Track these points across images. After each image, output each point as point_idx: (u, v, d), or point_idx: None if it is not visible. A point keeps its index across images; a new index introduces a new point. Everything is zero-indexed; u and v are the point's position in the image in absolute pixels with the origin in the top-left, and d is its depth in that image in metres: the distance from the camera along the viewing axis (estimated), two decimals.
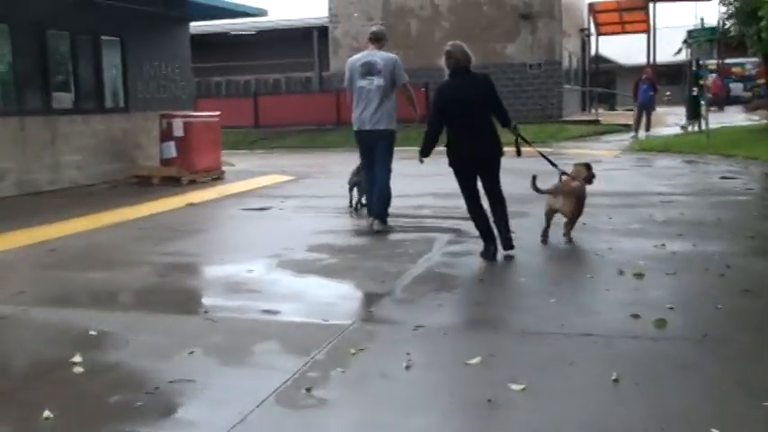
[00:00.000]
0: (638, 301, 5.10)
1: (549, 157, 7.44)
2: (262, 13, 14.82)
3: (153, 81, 14.00)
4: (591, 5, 32.59)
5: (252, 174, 14.53)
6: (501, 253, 6.65)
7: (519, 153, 6.80)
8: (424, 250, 7.00)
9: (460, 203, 7.00)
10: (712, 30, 18.81)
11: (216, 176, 13.40)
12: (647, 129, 21.99)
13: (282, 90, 31.67)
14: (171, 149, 12.73)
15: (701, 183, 11.47)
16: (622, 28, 36.08)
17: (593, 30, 34.76)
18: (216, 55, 31.78)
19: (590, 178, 7.29)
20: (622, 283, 5.62)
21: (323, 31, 29.17)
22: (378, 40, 8.15)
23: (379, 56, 7.99)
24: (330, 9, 28.49)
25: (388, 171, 8.10)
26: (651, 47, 34.74)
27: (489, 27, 26.77)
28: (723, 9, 22.71)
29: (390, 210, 8.29)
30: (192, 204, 10.51)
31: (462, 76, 6.56)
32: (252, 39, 31.32)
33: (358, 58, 8.14)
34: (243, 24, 31.50)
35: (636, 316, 4.74)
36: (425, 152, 6.77)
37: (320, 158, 18.56)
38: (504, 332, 4.72)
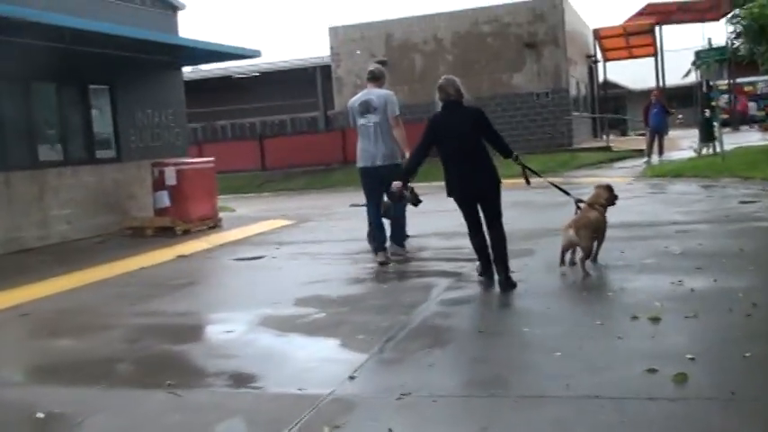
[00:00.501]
0: (654, 352, 4.51)
1: (562, 187, 7.34)
2: (256, 54, 14.41)
3: (146, 129, 13.60)
4: (596, 31, 32.13)
5: (251, 219, 14.05)
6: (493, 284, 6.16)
7: (528, 182, 6.83)
8: (421, 299, 6.44)
9: (463, 243, 6.57)
10: (721, 50, 18.26)
11: (212, 224, 12.90)
12: (660, 153, 21.38)
13: (288, 131, 31.40)
14: (164, 199, 12.27)
15: (719, 209, 10.85)
16: (629, 53, 35.58)
17: (599, 56, 34.30)
18: (220, 98, 31.62)
19: (612, 200, 7.28)
20: (636, 330, 5.03)
21: (326, 70, 28.90)
22: (376, 78, 8.43)
23: (375, 93, 8.28)
24: (332, 48, 28.21)
25: (403, 206, 8.17)
26: (660, 70, 34.23)
27: (494, 58, 26.42)
28: (731, 28, 22.26)
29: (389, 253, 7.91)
30: (182, 256, 10.02)
31: (453, 109, 6.58)
32: (255, 81, 31.10)
33: (357, 98, 8.44)
34: (246, 67, 31.36)
35: (652, 370, 4.15)
36: (408, 172, 6.82)
37: (325, 200, 18.09)
38: (501, 396, 4.13)
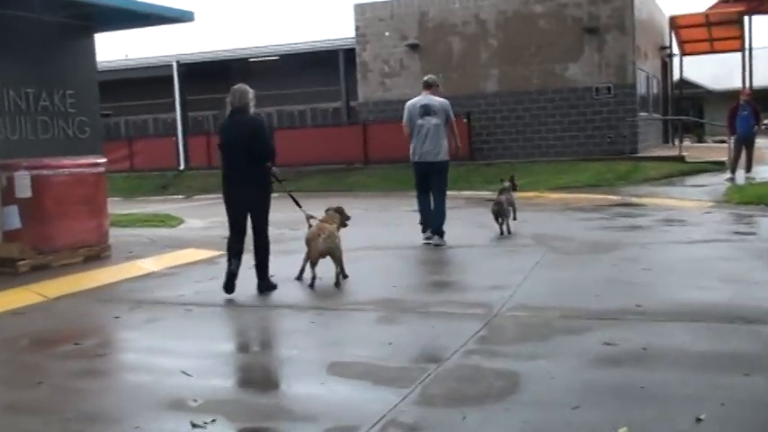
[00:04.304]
0: None
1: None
2: (186, 15, 10.42)
3: (23, 115, 9.69)
4: (672, 19, 27.38)
5: (168, 244, 10.13)
6: None
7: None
8: None
9: None
10: None
11: (93, 254, 9.01)
12: (749, 168, 16.75)
13: (308, 123, 27.58)
14: (13, 218, 8.46)
15: None
16: (711, 46, 30.72)
17: (676, 49, 29.54)
18: (234, 84, 27.90)
19: (343, 222, 7.53)
20: None
21: (350, 54, 24.82)
22: (429, 86, 9.50)
23: (435, 100, 9.35)
24: (357, 28, 24.13)
25: (444, 195, 9.37)
26: (747, 67, 29.30)
27: (547, 44, 21.98)
28: None
29: None
30: None
31: (234, 117, 6.98)
32: (274, 65, 27.26)
33: (417, 100, 9.41)
34: (265, 48, 27.63)
35: None
36: None
37: (320, 207, 14.00)
38: None
